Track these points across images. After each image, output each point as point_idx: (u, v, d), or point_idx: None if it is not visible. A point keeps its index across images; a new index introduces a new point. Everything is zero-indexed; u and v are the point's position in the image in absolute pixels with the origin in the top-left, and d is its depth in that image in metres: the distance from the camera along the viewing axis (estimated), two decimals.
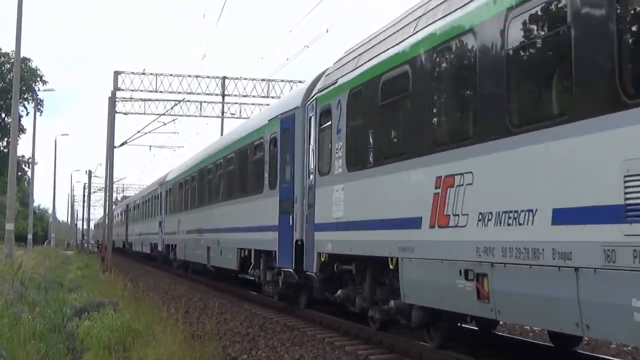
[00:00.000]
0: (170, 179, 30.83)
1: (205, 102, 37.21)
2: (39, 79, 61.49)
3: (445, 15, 8.40)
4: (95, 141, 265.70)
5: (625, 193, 5.52)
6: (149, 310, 13.29)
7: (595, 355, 9.57)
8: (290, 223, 13.55)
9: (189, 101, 36.48)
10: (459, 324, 9.77)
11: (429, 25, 8.80)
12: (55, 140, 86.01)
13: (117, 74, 34.07)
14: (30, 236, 49.70)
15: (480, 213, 7.42)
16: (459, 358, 9.18)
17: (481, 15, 7.61)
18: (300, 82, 31.30)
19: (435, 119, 8.72)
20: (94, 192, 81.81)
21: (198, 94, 35.31)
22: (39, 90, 60.69)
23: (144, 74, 34.17)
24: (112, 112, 34.27)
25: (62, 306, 13.48)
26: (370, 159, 10.22)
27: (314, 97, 12.74)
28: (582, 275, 5.96)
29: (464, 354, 9.44)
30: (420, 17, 9.27)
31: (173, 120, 37.71)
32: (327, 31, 23.99)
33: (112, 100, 34.37)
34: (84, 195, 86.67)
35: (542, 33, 6.80)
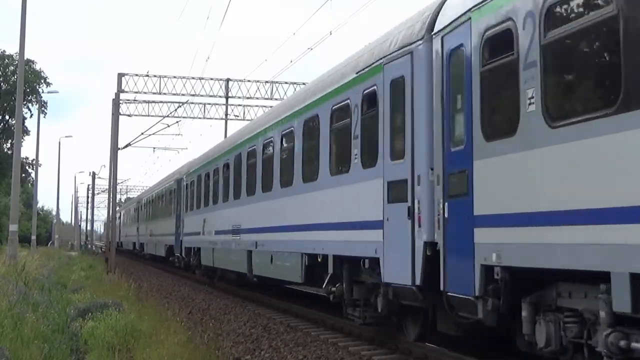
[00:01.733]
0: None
1: (209, 104, 37.12)
2: (42, 81, 61.31)
3: None
4: (98, 143, 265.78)
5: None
6: (153, 311, 13.30)
7: None
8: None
9: (192, 103, 36.36)
10: None
11: None
12: (59, 142, 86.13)
13: (120, 76, 34.00)
14: (33, 237, 49.69)
15: None
16: (462, 358, 9.17)
17: None
18: (304, 84, 31.08)
19: None
20: (98, 193, 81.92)
21: (202, 95, 35.19)
22: (42, 92, 60.53)
23: (147, 76, 34.08)
24: (116, 114, 34.27)
25: (66, 307, 13.50)
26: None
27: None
28: None
29: (467, 354, 9.43)
30: None
31: (177, 122, 37.68)
32: (330, 33, 23.87)
33: (116, 102, 34.36)
34: (87, 197, 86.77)
35: None
